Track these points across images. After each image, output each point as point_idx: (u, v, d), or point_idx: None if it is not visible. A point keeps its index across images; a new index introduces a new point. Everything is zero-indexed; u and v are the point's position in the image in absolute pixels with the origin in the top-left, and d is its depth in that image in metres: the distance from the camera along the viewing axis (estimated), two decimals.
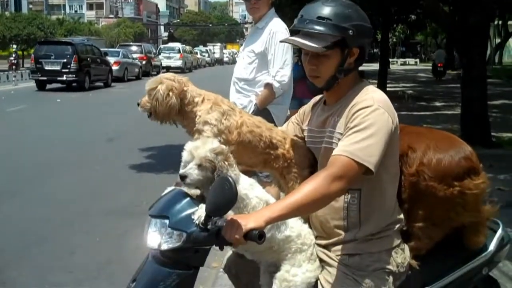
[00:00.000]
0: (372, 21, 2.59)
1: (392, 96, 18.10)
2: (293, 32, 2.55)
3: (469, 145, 2.69)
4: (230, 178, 2.12)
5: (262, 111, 4.79)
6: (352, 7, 2.47)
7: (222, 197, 2.10)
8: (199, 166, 2.36)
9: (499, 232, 2.81)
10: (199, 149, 2.39)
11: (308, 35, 2.44)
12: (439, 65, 32.15)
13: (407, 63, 55.42)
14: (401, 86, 27.85)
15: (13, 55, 41.49)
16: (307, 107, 2.83)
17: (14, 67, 36.09)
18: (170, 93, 2.73)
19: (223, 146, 2.45)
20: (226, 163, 2.38)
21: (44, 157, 10.75)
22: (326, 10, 2.43)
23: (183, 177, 2.36)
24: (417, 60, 56.54)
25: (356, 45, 2.45)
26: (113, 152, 11.36)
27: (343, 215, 2.51)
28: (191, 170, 2.35)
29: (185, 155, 2.41)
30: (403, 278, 2.54)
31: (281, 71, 4.93)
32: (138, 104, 2.83)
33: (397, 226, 2.55)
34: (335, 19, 2.40)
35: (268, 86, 4.95)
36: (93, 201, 7.71)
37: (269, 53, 4.97)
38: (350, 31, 2.40)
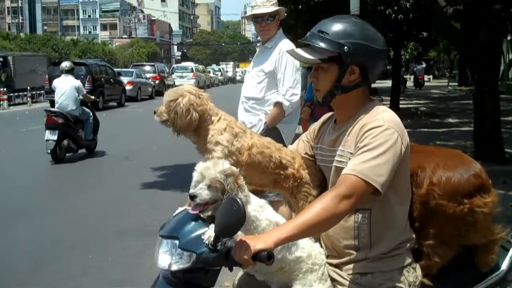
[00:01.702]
0: (385, 39, 2.59)
1: (405, 113, 18.06)
2: (301, 45, 2.59)
3: (482, 161, 2.68)
4: (238, 199, 2.13)
5: (271, 129, 4.81)
6: (357, 26, 2.48)
7: (231, 218, 2.11)
8: (209, 186, 2.36)
9: None
10: (209, 170, 2.40)
11: (310, 47, 2.50)
12: (420, 77, 41.47)
13: None
14: (414, 103, 27.78)
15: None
16: (317, 125, 2.84)
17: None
18: (191, 108, 2.73)
19: (234, 168, 2.45)
20: (236, 185, 2.39)
21: (57, 176, 10.81)
22: (328, 25, 2.48)
23: (193, 197, 2.37)
24: (430, 76, 56.29)
25: (354, 63, 2.45)
26: (126, 172, 11.41)
27: (353, 235, 2.50)
28: (201, 191, 2.36)
29: (195, 176, 2.42)
30: None
31: (290, 90, 4.96)
32: (155, 112, 2.81)
33: (408, 244, 2.54)
34: (332, 34, 2.44)
35: (278, 104, 4.97)
36: (106, 221, 7.73)
37: (278, 72, 5.01)
38: (345, 48, 2.41)
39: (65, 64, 13.11)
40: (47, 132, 11.90)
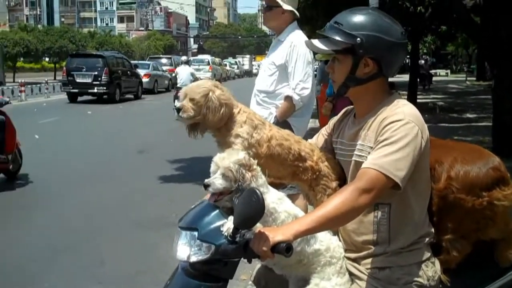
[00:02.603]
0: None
1: (423, 107, 17.91)
2: (318, 37, 2.60)
3: (501, 157, 2.65)
4: (257, 191, 2.12)
5: (282, 123, 4.76)
6: (372, 17, 2.46)
7: (250, 210, 2.10)
8: (223, 176, 2.38)
9: None
10: (224, 160, 2.41)
11: (326, 39, 2.50)
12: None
13: (438, 74, 54.90)
14: (431, 98, 27.62)
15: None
16: (337, 119, 2.83)
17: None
18: (223, 103, 2.68)
19: (248, 157, 2.46)
20: (250, 174, 2.39)
21: (74, 168, 10.87)
22: (344, 17, 2.48)
23: (206, 186, 2.38)
24: (448, 71, 55.93)
25: (368, 55, 2.43)
26: (143, 164, 11.46)
27: (372, 230, 2.49)
28: (215, 180, 2.38)
29: (212, 166, 2.44)
30: None
31: (301, 83, 4.91)
32: (179, 110, 2.68)
33: (427, 239, 2.52)
34: (346, 26, 2.43)
35: (288, 98, 4.93)
36: (123, 212, 7.78)
37: (289, 65, 4.96)
38: (358, 39, 2.40)
39: (184, 58, 22.15)
40: (176, 101, 16.56)
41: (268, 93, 5.08)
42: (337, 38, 2.44)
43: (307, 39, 5.00)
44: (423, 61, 41.89)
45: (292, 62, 4.95)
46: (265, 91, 5.10)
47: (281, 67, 5.01)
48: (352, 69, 2.47)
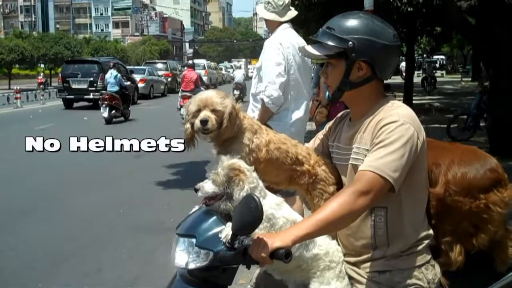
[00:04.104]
0: (398, 34, 2.54)
1: (419, 108, 17.84)
2: (312, 42, 2.60)
3: (497, 157, 2.64)
4: (255, 197, 2.11)
5: None
6: (363, 21, 2.46)
7: (248, 216, 2.09)
8: (213, 180, 2.39)
9: None
10: (214, 165, 2.43)
11: (320, 44, 2.51)
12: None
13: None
14: (427, 99, 27.63)
15: (41, 74, 42.28)
16: (333, 123, 2.82)
17: (42, 86, 36.79)
18: (239, 113, 2.64)
19: (240, 162, 2.44)
20: (237, 178, 2.38)
21: (71, 174, 10.85)
22: (336, 22, 2.49)
23: (196, 190, 2.42)
24: (443, 72, 55.93)
25: (361, 58, 2.43)
26: (139, 169, 11.44)
27: (370, 234, 2.48)
28: (205, 184, 2.40)
29: (207, 172, 2.46)
30: None
31: (270, 85, 4.91)
32: (206, 122, 2.55)
33: (426, 241, 2.51)
34: (337, 30, 2.44)
35: (262, 101, 4.95)
36: (120, 218, 7.75)
37: (262, 68, 5.00)
38: (350, 43, 2.40)
39: (238, 63, 36.13)
40: (234, 91, 24.91)
41: (253, 96, 5.14)
42: (330, 43, 2.44)
43: (283, 40, 5.02)
44: (426, 64, 41.41)
45: (263, 64, 4.99)
46: (252, 94, 5.17)
47: (259, 70, 5.07)
48: (346, 73, 2.47)
